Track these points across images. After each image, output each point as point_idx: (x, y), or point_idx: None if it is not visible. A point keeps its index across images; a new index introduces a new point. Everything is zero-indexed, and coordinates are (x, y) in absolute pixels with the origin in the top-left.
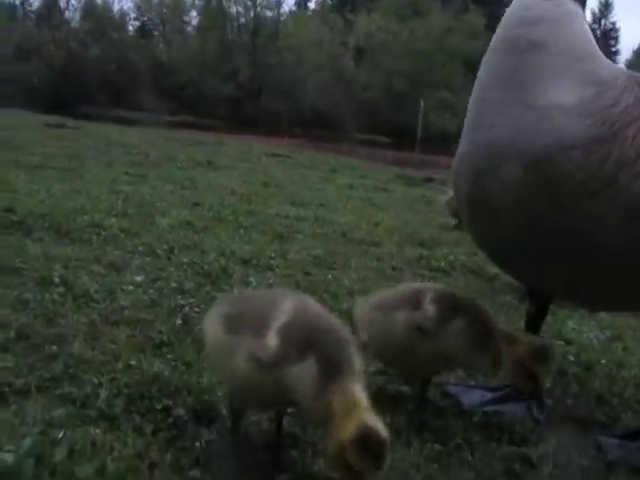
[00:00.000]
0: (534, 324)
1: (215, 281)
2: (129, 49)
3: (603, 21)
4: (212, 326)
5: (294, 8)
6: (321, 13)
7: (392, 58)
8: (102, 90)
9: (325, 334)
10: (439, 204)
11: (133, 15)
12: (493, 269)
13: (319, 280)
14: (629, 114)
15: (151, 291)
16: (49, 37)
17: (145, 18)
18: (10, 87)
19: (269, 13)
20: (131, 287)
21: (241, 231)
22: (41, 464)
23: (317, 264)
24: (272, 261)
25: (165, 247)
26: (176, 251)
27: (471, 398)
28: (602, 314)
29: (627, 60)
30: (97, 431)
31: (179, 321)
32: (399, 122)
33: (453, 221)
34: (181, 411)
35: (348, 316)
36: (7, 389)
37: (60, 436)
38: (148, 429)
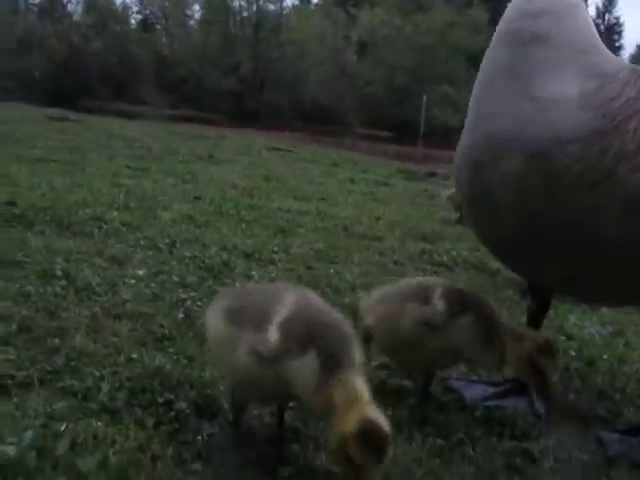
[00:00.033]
0: (535, 319)
1: (217, 275)
2: (131, 42)
3: (607, 16)
4: (214, 320)
5: (297, 2)
6: (324, 7)
7: (395, 53)
8: (104, 83)
9: (327, 328)
10: (441, 198)
11: (135, 8)
12: (495, 264)
13: (321, 274)
14: (630, 107)
15: (153, 285)
16: (51, 30)
17: (147, 11)
18: (12, 80)
19: (272, 7)
20: (133, 281)
21: (243, 225)
22: (43, 457)
23: (319, 258)
24: (274, 255)
25: (167, 241)
26: (178, 245)
27: (473, 393)
28: (604, 309)
29: (631, 55)
30: (99, 424)
31: (181, 315)
32: (401, 117)
33: (455, 215)
34: (183, 405)
35: (350, 310)
36: (9, 382)
37: (62, 429)
38: (150, 422)
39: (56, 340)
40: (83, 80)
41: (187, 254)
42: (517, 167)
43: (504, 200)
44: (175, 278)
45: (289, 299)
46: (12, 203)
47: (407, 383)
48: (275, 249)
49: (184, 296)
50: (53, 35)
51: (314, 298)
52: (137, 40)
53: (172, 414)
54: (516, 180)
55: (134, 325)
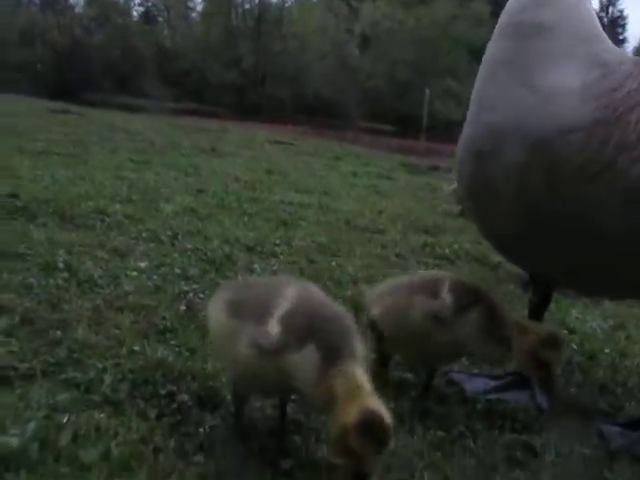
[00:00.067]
0: (537, 312)
1: (219, 268)
2: (133, 35)
3: (611, 9)
4: (215, 312)
5: None
6: (326, 0)
7: (398, 46)
8: (106, 76)
9: (328, 322)
10: (444, 192)
11: (137, 1)
12: (497, 257)
13: (323, 267)
14: (632, 98)
15: (155, 277)
16: (53, 23)
17: (149, 4)
18: (14, 73)
19: None
20: (135, 273)
21: (245, 218)
22: (46, 448)
23: (321, 251)
24: (276, 248)
25: (169, 233)
26: (180, 237)
27: (474, 386)
28: (606, 303)
29: (634, 48)
30: (101, 416)
31: (183, 307)
32: (404, 110)
33: (457, 208)
34: (185, 397)
35: (352, 303)
36: (12, 373)
37: (64, 421)
38: (152, 414)
39: (58, 332)
40: (85, 73)
41: (189, 247)
42: (519, 158)
43: (506, 192)
44: (177, 270)
45: (291, 292)
46: (15, 195)
47: (409, 376)
48: (277, 242)
49: (186, 288)
50: (55, 28)
51: (316, 291)
52: (139, 33)
53: (174, 406)
54: (518, 171)
55: (136, 317)
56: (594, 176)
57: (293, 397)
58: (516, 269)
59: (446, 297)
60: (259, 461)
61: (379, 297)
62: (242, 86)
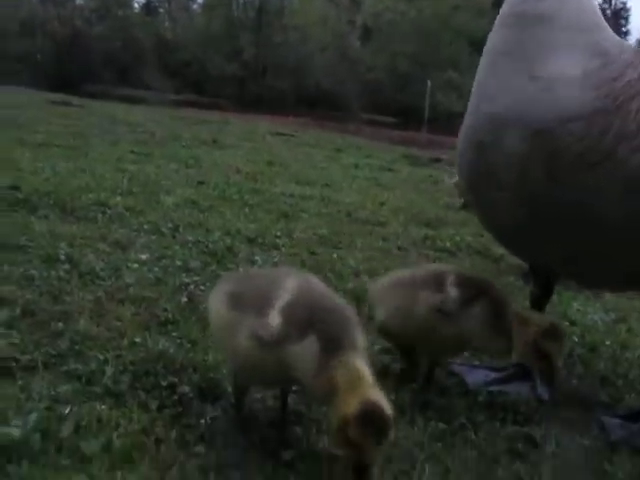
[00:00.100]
0: (538, 305)
1: (220, 260)
2: (134, 27)
3: (613, 1)
4: (216, 304)
5: None
6: None
7: (399, 37)
8: (107, 68)
9: (328, 313)
10: (445, 184)
11: None
12: (499, 250)
13: (324, 259)
14: (633, 87)
15: (156, 269)
16: (54, 14)
17: None
18: (14, 64)
19: None
20: (136, 265)
21: (246, 210)
22: (47, 439)
23: (322, 243)
24: (277, 240)
25: (170, 225)
26: (181, 229)
27: (475, 378)
28: (607, 296)
29: (637, 40)
30: (103, 407)
31: (184, 299)
32: (405, 102)
33: (460, 201)
34: (186, 388)
35: (353, 295)
36: (14, 365)
37: (66, 412)
38: (153, 406)
39: (60, 324)
40: (86, 64)
41: (190, 239)
42: (520, 147)
43: (507, 182)
44: (178, 262)
45: (291, 284)
46: (16, 187)
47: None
48: (278, 234)
49: (187, 280)
50: (56, 19)
51: (316, 283)
52: (140, 24)
53: (175, 397)
54: (519, 160)
55: (137, 309)
56: (594, 165)
57: (294, 388)
58: (517, 261)
59: (451, 290)
60: (260, 452)
61: (383, 292)
62: (243, 77)
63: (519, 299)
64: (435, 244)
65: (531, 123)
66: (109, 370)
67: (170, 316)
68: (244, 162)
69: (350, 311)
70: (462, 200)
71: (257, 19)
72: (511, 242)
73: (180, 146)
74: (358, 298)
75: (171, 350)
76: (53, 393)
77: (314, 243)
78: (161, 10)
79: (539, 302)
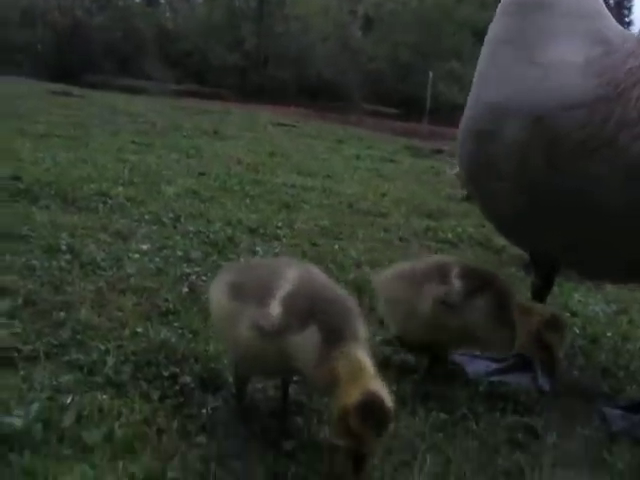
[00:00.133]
0: (540, 296)
1: (222, 250)
2: (135, 17)
3: None
4: (217, 294)
5: None
6: None
7: (401, 27)
8: (107, 58)
9: (330, 303)
10: (447, 175)
11: None
12: (500, 241)
13: (326, 250)
14: (634, 75)
15: (157, 259)
16: (54, 4)
17: None
18: (15, 54)
19: None
20: (137, 255)
21: (247, 200)
22: (49, 429)
23: (324, 234)
24: (279, 231)
25: (171, 216)
26: (182, 220)
27: (476, 368)
28: (608, 287)
29: None
30: (104, 397)
31: (185, 289)
32: (407, 93)
33: (461, 192)
34: (188, 378)
35: (354, 286)
36: (15, 355)
37: (68, 402)
38: (155, 396)
39: (61, 314)
40: (86, 55)
41: (191, 229)
42: (520, 135)
43: (507, 171)
44: (179, 253)
45: (292, 274)
46: (17, 178)
47: (410, 358)
48: (280, 225)
49: (188, 271)
50: (56, 9)
51: (317, 273)
52: (141, 14)
53: (177, 387)
54: (519, 148)
55: (139, 299)
56: (594, 152)
57: (295, 379)
58: (519, 252)
59: (455, 282)
60: (261, 442)
61: (386, 283)
62: (244, 68)
63: (521, 290)
64: (437, 235)
65: (532, 110)
66: (111, 360)
67: (171, 306)
68: (245, 152)
69: (351, 302)
70: (465, 191)
71: (259, 9)
72: (512, 231)
73: (181, 136)
74: (359, 289)
75: (172, 340)
76: (55, 383)
77: (315, 234)
78: (162, 0)
79: (540, 293)
